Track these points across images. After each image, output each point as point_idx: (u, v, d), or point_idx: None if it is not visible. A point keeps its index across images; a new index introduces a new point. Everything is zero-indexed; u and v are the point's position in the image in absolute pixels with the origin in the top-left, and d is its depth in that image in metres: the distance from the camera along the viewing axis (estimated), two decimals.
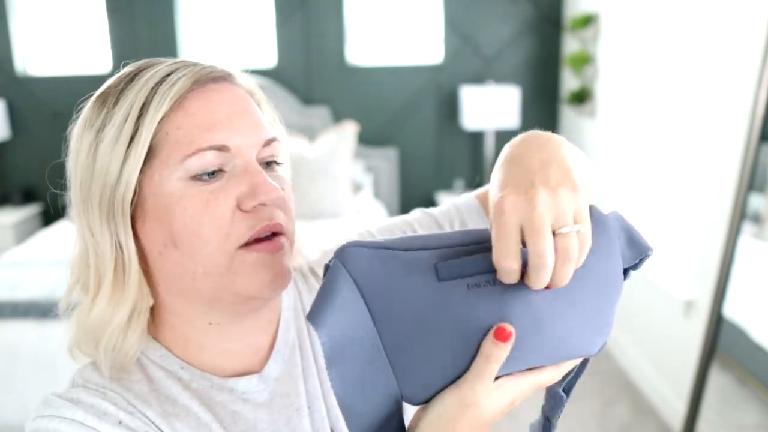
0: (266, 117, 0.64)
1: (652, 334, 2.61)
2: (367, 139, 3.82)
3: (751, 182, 1.83)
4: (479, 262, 0.45)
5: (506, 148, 0.51)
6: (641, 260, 0.50)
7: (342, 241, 0.74)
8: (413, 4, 3.79)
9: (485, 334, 0.46)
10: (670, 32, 2.54)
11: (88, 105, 0.59)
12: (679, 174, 2.48)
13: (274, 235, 0.58)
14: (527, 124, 3.74)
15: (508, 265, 0.43)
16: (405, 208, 3.83)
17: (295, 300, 0.70)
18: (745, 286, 1.89)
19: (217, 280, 0.56)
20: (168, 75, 0.57)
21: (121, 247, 0.57)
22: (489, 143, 3.66)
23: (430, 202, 3.88)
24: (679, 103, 2.47)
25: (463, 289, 0.45)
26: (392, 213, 3.75)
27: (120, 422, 0.55)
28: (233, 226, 0.56)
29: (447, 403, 0.47)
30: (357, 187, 3.56)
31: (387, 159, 3.83)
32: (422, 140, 3.88)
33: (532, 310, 0.45)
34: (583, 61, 3.24)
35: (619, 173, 2.97)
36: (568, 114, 3.70)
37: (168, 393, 0.60)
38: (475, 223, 0.72)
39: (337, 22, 3.72)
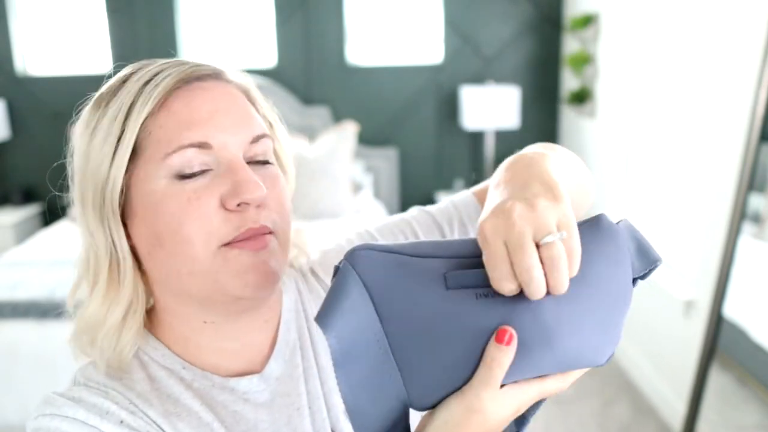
0: (262, 115, 0.63)
1: (652, 334, 2.61)
2: (367, 139, 3.82)
3: (751, 182, 1.83)
4: (485, 275, 0.45)
5: (495, 175, 0.53)
6: (650, 270, 0.50)
7: (342, 241, 0.74)
8: (413, 4, 3.79)
9: None
10: (670, 32, 2.54)
11: (87, 106, 0.60)
12: (679, 174, 2.48)
13: (261, 234, 0.57)
14: (527, 124, 3.74)
15: (505, 288, 0.43)
16: (405, 208, 3.83)
17: (295, 301, 0.69)
18: (745, 286, 1.89)
19: (202, 279, 0.56)
20: (156, 75, 0.57)
21: (115, 247, 0.58)
22: (489, 143, 3.66)
23: (430, 202, 3.84)
24: (679, 103, 2.47)
25: (471, 297, 0.45)
26: (392, 213, 3.75)
27: (122, 422, 0.55)
28: (218, 225, 0.55)
29: (453, 408, 0.46)
30: (357, 187, 3.56)
31: (387, 159, 3.83)
32: (422, 140, 3.89)
33: (539, 319, 0.45)
34: (583, 61, 3.24)
35: (619, 173, 2.97)
36: (568, 114, 3.70)
37: (170, 392, 0.60)
38: (473, 222, 0.72)
39: (337, 22, 3.72)
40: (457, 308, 0.45)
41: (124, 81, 0.58)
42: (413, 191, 3.94)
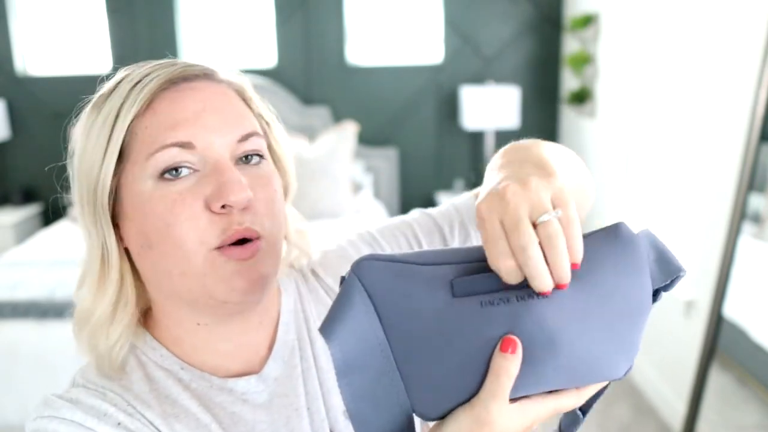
0: (257, 114, 0.63)
1: (652, 334, 2.61)
2: (367, 139, 3.82)
3: (751, 182, 1.83)
4: (492, 279, 0.45)
5: (491, 162, 0.53)
6: (672, 281, 0.48)
7: (343, 242, 0.74)
8: (413, 4, 3.79)
9: None
10: (670, 32, 2.54)
11: (87, 108, 0.60)
12: (679, 174, 2.48)
13: (248, 240, 0.57)
14: (527, 124, 3.74)
15: (504, 265, 0.43)
16: (405, 208, 3.83)
17: (295, 302, 0.69)
18: (745, 286, 1.89)
19: (192, 281, 0.56)
20: (145, 77, 0.57)
21: (106, 243, 0.59)
22: (489, 143, 3.66)
23: (430, 202, 3.88)
24: (679, 103, 2.47)
25: (476, 306, 0.45)
26: (392, 213, 3.75)
27: (119, 424, 0.55)
28: (204, 227, 0.55)
29: (461, 420, 0.45)
30: (357, 187, 3.56)
31: (387, 159, 3.83)
32: (422, 140, 3.88)
33: (545, 328, 0.44)
34: (583, 61, 3.24)
35: (619, 173, 2.96)
36: (568, 114, 3.70)
37: (168, 393, 0.60)
38: (474, 224, 0.72)
39: (337, 22, 3.72)
40: (460, 317, 0.45)
41: (119, 83, 0.58)
42: (413, 191, 3.94)
